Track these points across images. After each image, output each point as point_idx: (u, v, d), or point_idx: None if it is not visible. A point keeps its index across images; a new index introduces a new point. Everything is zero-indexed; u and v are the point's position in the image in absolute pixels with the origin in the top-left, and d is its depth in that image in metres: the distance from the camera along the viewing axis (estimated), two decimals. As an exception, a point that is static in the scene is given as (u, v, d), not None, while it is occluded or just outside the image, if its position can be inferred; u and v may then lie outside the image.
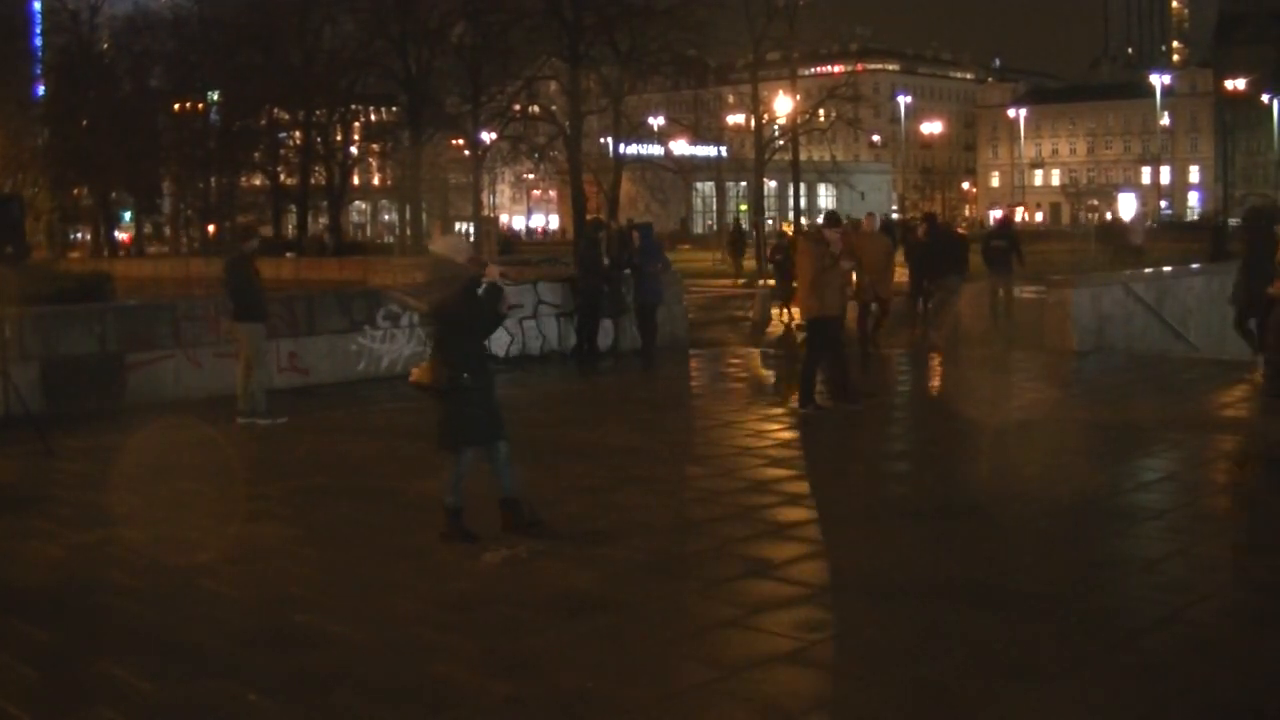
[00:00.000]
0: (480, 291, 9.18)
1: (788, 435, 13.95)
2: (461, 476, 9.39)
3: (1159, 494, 11.21)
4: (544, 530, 9.47)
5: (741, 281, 43.14)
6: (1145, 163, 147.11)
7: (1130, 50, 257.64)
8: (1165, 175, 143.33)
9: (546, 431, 14.49)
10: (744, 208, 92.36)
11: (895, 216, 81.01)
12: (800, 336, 20.31)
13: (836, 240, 14.88)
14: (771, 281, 28.53)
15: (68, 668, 7.02)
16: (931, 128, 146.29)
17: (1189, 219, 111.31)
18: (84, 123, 72.16)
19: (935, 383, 18.62)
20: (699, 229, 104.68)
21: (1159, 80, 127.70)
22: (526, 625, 7.52)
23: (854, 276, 17.06)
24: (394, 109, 70.85)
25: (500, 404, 9.45)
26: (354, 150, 74.93)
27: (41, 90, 78.99)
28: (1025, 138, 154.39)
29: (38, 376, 15.67)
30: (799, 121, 61.22)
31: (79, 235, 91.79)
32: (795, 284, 22.07)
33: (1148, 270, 26.46)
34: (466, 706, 6.40)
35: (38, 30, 79.54)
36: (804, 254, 14.89)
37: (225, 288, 15.45)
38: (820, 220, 16.23)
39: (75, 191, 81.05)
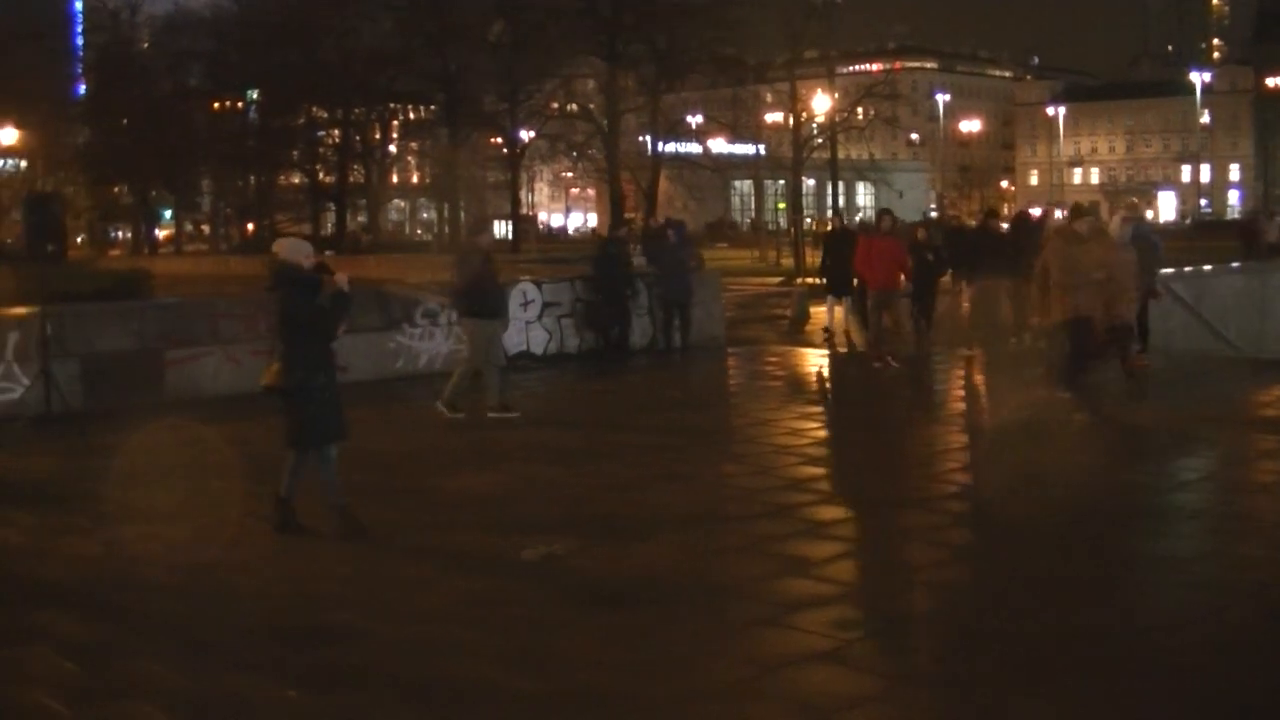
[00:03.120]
0: (327, 297, 9.37)
1: (825, 434, 13.90)
2: (299, 472, 9.60)
3: (1196, 494, 11.13)
4: (369, 538, 9.45)
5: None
6: (1184, 161, 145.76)
7: (1170, 48, 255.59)
8: (1205, 173, 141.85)
9: (581, 429, 14.50)
10: (782, 205, 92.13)
11: (934, 214, 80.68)
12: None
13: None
14: (811, 280, 28.23)
15: (105, 663, 7.06)
16: (970, 126, 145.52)
17: (1230, 217, 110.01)
18: (123, 121, 72.67)
19: (978, 379, 18.46)
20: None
21: (1198, 78, 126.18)
22: (556, 622, 7.52)
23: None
24: (431, 107, 71.07)
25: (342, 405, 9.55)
26: (392, 148, 75.20)
27: (81, 89, 79.62)
28: (1064, 136, 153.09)
29: (78, 373, 15.75)
30: (837, 120, 60.94)
31: (119, 233, 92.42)
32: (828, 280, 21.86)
33: (1187, 269, 26.24)
34: (493, 702, 6.40)
35: (78, 29, 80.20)
36: (1055, 253, 14.36)
37: (455, 282, 15.15)
38: (1069, 214, 15.18)
39: (114, 190, 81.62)
